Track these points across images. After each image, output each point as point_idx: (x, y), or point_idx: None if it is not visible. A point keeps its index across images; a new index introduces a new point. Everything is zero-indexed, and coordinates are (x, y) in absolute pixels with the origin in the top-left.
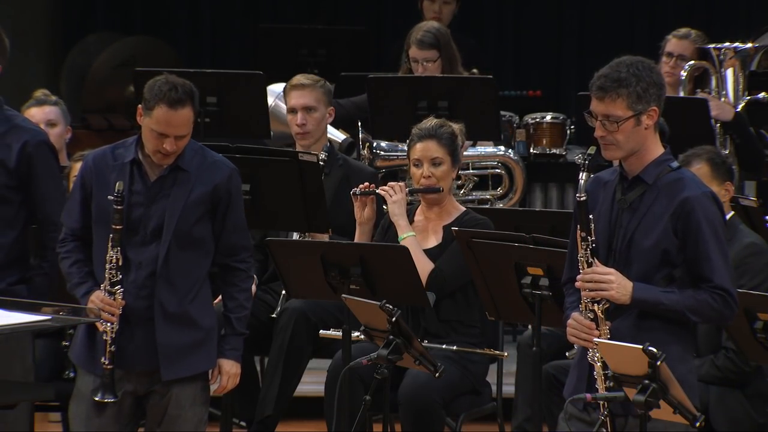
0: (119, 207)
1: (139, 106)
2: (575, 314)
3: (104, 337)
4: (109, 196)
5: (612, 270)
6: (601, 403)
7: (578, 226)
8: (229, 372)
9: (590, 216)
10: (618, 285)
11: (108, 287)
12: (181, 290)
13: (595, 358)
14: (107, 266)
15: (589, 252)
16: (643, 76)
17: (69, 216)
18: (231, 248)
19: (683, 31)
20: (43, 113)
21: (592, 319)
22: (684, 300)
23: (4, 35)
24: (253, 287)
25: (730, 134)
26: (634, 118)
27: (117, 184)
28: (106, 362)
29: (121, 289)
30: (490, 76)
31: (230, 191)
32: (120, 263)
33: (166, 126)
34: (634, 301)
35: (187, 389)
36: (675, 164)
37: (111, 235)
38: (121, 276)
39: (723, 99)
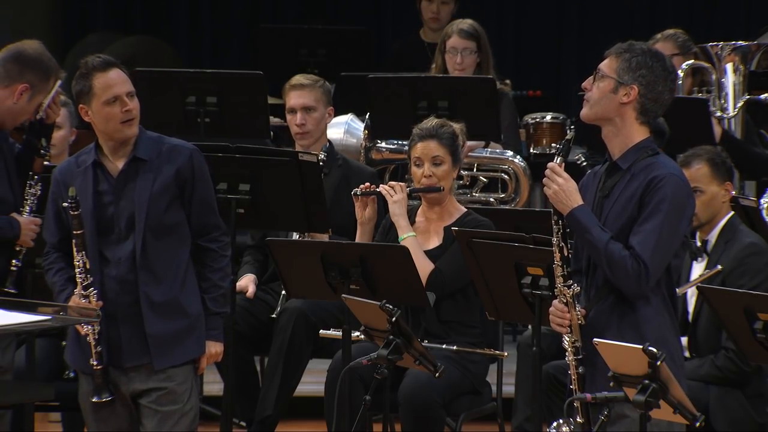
0: (75, 212)
1: (80, 107)
2: (555, 301)
3: (88, 340)
4: (63, 204)
5: (568, 178)
6: (577, 404)
7: (552, 210)
8: (209, 353)
9: None
10: (561, 190)
11: (81, 291)
12: (165, 279)
13: (566, 342)
14: (76, 271)
15: (560, 236)
16: (645, 58)
17: (47, 230)
18: (201, 228)
19: (655, 37)
20: None
21: (565, 304)
22: (609, 246)
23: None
24: (252, 287)
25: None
26: (614, 83)
27: (69, 189)
28: (95, 363)
29: (95, 291)
30: (490, 76)
31: (193, 172)
32: (88, 266)
33: (112, 87)
34: (569, 216)
35: (178, 376)
36: (654, 150)
37: (74, 241)
38: (92, 279)
39: (722, 99)
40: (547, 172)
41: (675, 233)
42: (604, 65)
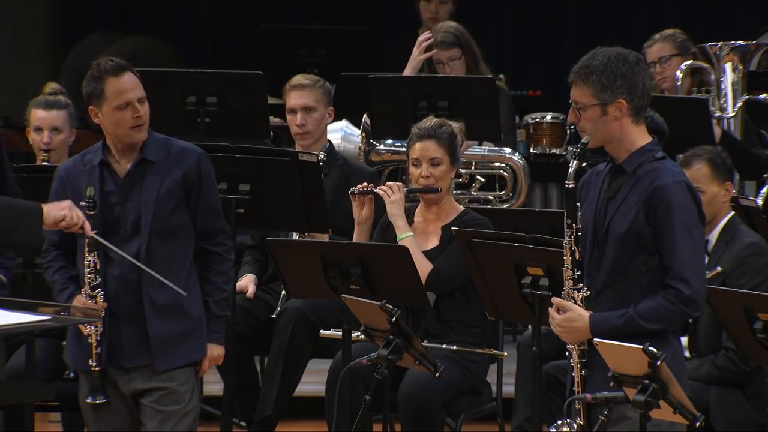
0: (92, 212)
1: (89, 108)
2: (551, 310)
3: (89, 340)
4: (81, 203)
5: (559, 317)
6: (579, 406)
7: (564, 213)
8: (211, 355)
9: (577, 204)
10: (564, 329)
11: (88, 291)
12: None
13: (572, 345)
14: (86, 270)
15: (572, 240)
16: (611, 67)
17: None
18: (206, 232)
19: (653, 38)
20: (50, 118)
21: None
22: (638, 313)
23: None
24: (252, 287)
25: None
26: (599, 107)
27: (87, 189)
28: (94, 364)
29: (102, 292)
30: (490, 76)
31: (200, 175)
32: (98, 267)
33: (124, 92)
34: (592, 333)
35: (179, 377)
36: (660, 154)
37: (86, 240)
38: (100, 279)
39: (721, 99)
40: (551, 320)
41: (700, 239)
42: (578, 95)
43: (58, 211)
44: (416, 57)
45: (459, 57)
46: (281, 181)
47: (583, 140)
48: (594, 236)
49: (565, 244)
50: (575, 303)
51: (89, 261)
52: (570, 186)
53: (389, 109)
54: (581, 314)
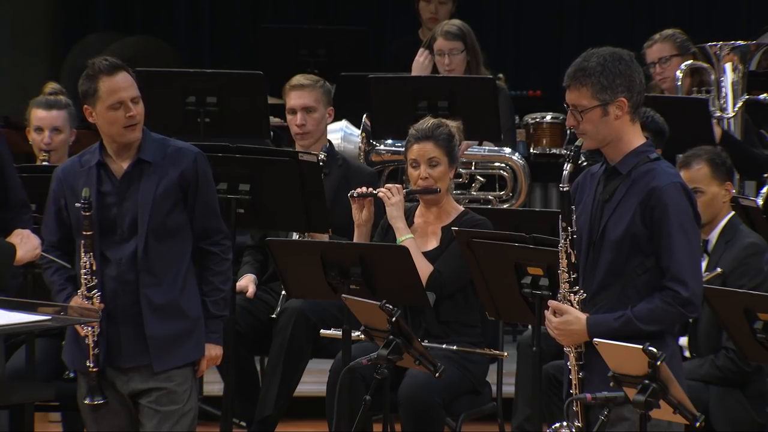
0: (87, 213)
1: (84, 107)
2: (547, 313)
3: (86, 341)
4: (76, 204)
5: (556, 320)
6: (577, 407)
7: (560, 216)
8: (209, 355)
9: (572, 207)
10: (561, 332)
11: (85, 292)
12: (165, 281)
13: (569, 347)
14: (82, 272)
15: (568, 243)
16: (608, 67)
17: (46, 229)
18: (203, 232)
19: (653, 38)
20: (50, 118)
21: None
22: (635, 315)
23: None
24: (252, 287)
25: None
26: (600, 108)
27: (83, 190)
28: (91, 365)
29: (99, 293)
30: (490, 76)
31: (197, 175)
32: (94, 268)
33: (117, 92)
34: (590, 336)
35: (178, 376)
36: (654, 155)
37: (83, 241)
38: (97, 280)
39: (721, 99)
40: (548, 324)
41: (696, 240)
42: (577, 99)
43: (32, 251)
44: (418, 59)
45: (461, 51)
46: (281, 181)
47: (576, 143)
48: (590, 239)
49: (561, 247)
50: (572, 306)
51: (85, 262)
52: (564, 189)
53: (389, 109)
54: (578, 317)
